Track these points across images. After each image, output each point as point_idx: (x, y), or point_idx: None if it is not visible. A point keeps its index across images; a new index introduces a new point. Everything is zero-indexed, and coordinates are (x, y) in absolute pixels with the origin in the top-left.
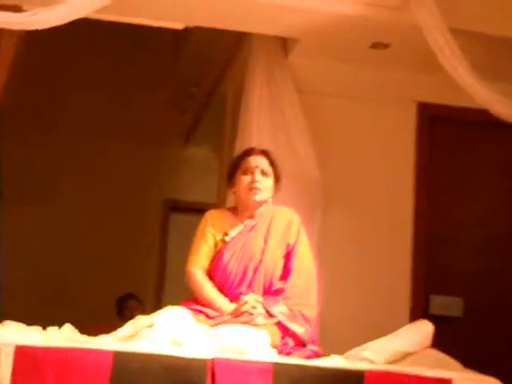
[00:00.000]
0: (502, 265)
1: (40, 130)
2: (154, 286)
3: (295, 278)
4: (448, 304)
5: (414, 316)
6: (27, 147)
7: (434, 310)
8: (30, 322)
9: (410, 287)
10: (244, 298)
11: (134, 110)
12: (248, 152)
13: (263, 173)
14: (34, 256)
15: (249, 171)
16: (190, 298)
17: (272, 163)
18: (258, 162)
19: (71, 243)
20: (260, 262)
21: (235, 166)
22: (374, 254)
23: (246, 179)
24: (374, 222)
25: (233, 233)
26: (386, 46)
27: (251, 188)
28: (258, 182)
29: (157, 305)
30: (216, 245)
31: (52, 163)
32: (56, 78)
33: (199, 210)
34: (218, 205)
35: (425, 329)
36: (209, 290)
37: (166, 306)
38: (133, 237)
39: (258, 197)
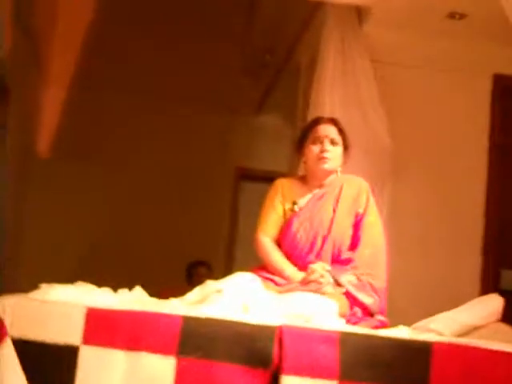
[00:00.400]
0: None
1: (111, 91)
2: (224, 252)
3: (364, 248)
4: None
5: (485, 290)
6: (96, 108)
7: (505, 285)
8: (102, 283)
9: (480, 261)
10: (312, 266)
11: (206, 76)
12: (317, 121)
13: (332, 142)
14: (108, 218)
15: (318, 140)
16: (260, 265)
17: (341, 132)
18: (327, 131)
19: (144, 207)
20: (329, 231)
21: (304, 136)
22: (444, 227)
23: (316, 148)
24: (445, 194)
25: (302, 202)
26: (462, 16)
27: (320, 157)
28: (327, 151)
29: (227, 272)
30: (285, 213)
31: (124, 127)
32: (129, 39)
33: (270, 178)
34: (289, 174)
35: (494, 302)
36: (277, 258)
37: (235, 272)
38: (204, 204)
39: (328, 166)
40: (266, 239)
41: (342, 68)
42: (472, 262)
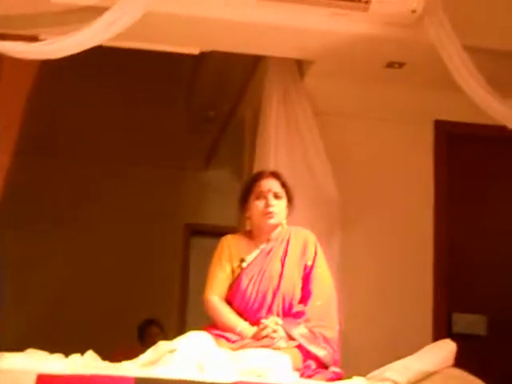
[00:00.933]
0: None
1: (56, 155)
2: (176, 311)
3: (315, 300)
4: (471, 322)
5: (437, 335)
6: (40, 173)
7: (457, 329)
8: (52, 349)
9: (432, 306)
10: (264, 321)
11: (152, 135)
12: (259, 176)
13: (276, 196)
14: (55, 282)
15: (261, 195)
16: (212, 324)
17: (284, 185)
18: (270, 185)
19: (92, 268)
20: (278, 285)
21: (247, 191)
22: (394, 273)
23: (260, 204)
24: (393, 240)
25: (249, 258)
26: (401, 64)
27: (265, 213)
28: (271, 205)
29: (180, 330)
30: (233, 271)
31: (69, 189)
32: (72, 104)
33: (220, 233)
34: (239, 228)
35: (447, 348)
36: (228, 315)
37: (188, 331)
38: (154, 261)
39: (273, 220)
40: (215, 297)
41: (285, 120)
42: (424, 307)
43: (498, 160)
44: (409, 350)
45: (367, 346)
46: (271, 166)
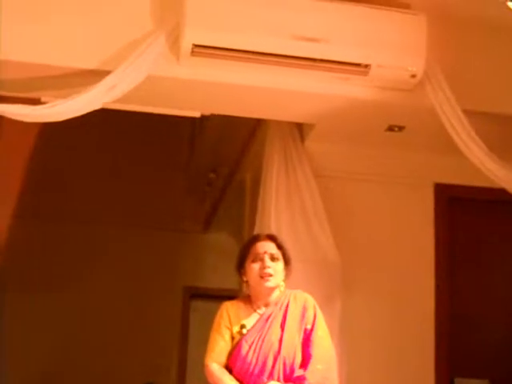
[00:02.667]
0: None
1: (56, 218)
2: (175, 374)
3: (316, 363)
4: None
5: None
6: (40, 236)
7: None
8: None
9: (434, 370)
10: None
11: (152, 197)
12: (254, 239)
13: (272, 258)
14: (52, 346)
15: (258, 258)
16: None
17: (280, 247)
18: (266, 247)
19: (91, 332)
20: (279, 351)
21: (243, 255)
22: (396, 338)
23: (256, 266)
24: (395, 304)
25: (249, 324)
26: (401, 128)
27: (262, 275)
28: (268, 267)
29: None
30: (233, 338)
31: (69, 251)
32: (72, 166)
33: (220, 296)
34: (239, 291)
35: None
36: (229, 382)
37: None
38: (153, 325)
39: (270, 283)
40: (215, 365)
41: (285, 183)
42: (426, 372)
43: (499, 223)
44: None
45: None
46: (272, 229)
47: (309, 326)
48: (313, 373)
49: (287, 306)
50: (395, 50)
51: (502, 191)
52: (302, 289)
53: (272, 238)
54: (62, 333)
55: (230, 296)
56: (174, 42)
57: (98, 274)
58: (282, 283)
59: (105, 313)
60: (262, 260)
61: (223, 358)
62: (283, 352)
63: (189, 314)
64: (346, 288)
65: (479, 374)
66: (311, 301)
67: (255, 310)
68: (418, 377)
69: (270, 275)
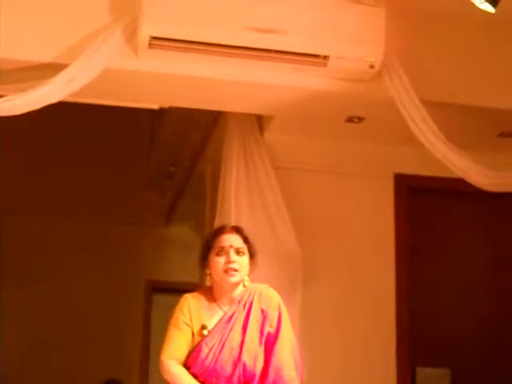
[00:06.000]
0: (488, 333)
1: (15, 214)
2: (138, 368)
3: (290, 371)
4: (435, 376)
5: None
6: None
7: (421, 383)
8: None
9: (395, 360)
10: None
11: (113, 191)
12: (220, 231)
13: (238, 252)
14: (14, 342)
15: (222, 251)
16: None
17: (246, 239)
18: (232, 240)
19: (52, 326)
20: (239, 356)
21: (208, 247)
22: (357, 328)
23: (221, 260)
24: (355, 294)
25: (210, 325)
26: (360, 119)
27: (227, 269)
28: (233, 262)
29: None
30: (193, 334)
31: (28, 246)
32: (29, 160)
33: (182, 290)
34: (201, 284)
35: None
36: (186, 381)
37: None
38: (115, 319)
39: (235, 278)
40: (172, 362)
41: (245, 175)
42: (387, 362)
43: (458, 212)
44: None
45: None
46: (232, 221)
47: (272, 330)
48: (289, 380)
49: (251, 304)
50: (353, 41)
51: (462, 181)
52: (262, 280)
53: (238, 230)
54: (21, 329)
55: (192, 290)
56: (132, 34)
57: (58, 269)
58: (247, 277)
59: (65, 307)
60: (227, 254)
61: (181, 355)
62: (244, 357)
63: (151, 308)
64: (306, 279)
65: (440, 364)
66: (276, 300)
67: (219, 306)
68: (380, 366)
69: (235, 270)
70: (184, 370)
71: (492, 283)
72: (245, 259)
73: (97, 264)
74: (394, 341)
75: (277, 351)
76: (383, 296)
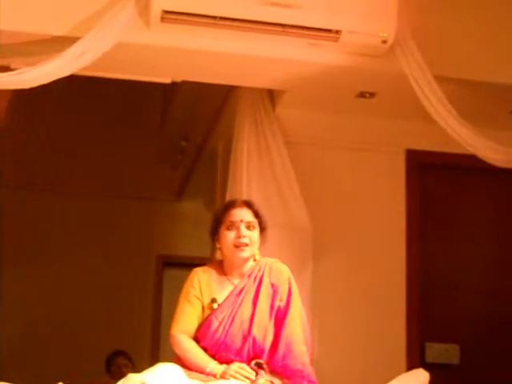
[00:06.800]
0: (497, 310)
1: (25, 188)
2: (149, 342)
3: (300, 345)
4: (444, 351)
5: (411, 364)
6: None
7: (430, 358)
8: (21, 380)
9: (404, 335)
10: (231, 367)
11: (124, 166)
12: (230, 205)
13: (248, 226)
14: (24, 314)
15: (233, 226)
16: None
17: (256, 214)
18: (242, 215)
19: (63, 298)
20: (249, 330)
21: (218, 221)
22: (367, 303)
23: (231, 235)
24: (366, 270)
25: (220, 298)
26: (372, 94)
27: (237, 244)
28: (243, 237)
29: (152, 362)
30: (203, 308)
31: (41, 222)
32: (41, 135)
33: (193, 264)
34: (212, 259)
35: (420, 377)
36: (197, 354)
37: (160, 362)
38: (127, 293)
39: (245, 254)
40: (183, 336)
41: (257, 150)
42: (397, 337)
43: (470, 189)
44: (382, 380)
45: (340, 375)
46: (243, 196)
47: (282, 304)
48: (300, 354)
49: (261, 278)
50: (366, 16)
51: (473, 157)
52: (273, 255)
53: (248, 204)
54: (33, 301)
55: (204, 265)
56: (144, 8)
57: (70, 244)
58: (257, 251)
59: (77, 281)
60: (237, 228)
61: (192, 328)
62: (253, 331)
63: (162, 283)
64: (317, 254)
65: (450, 339)
66: (286, 274)
67: (229, 280)
68: (389, 341)
69: (246, 245)
70: (194, 344)
71: (503, 259)
72: (255, 233)
73: (108, 239)
74: (403, 316)
75: (287, 325)
76: (393, 272)
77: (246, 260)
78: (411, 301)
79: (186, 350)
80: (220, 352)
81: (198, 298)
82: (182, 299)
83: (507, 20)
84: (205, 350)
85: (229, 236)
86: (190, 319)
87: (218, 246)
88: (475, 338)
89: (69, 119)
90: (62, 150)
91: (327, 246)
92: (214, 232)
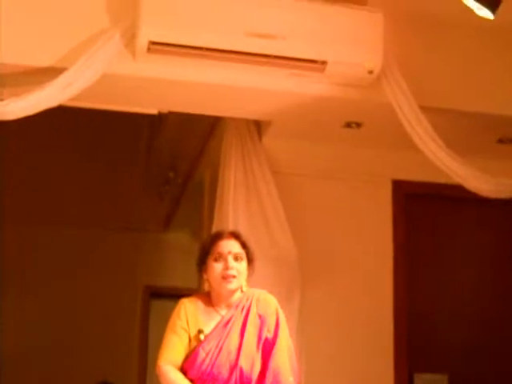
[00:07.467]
0: (486, 338)
1: (12, 220)
2: (135, 373)
3: (287, 376)
4: (433, 381)
5: None
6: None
7: None
8: None
9: (393, 366)
10: None
11: (110, 197)
12: (218, 236)
13: (236, 258)
14: (10, 341)
15: (220, 257)
16: None
17: (244, 245)
18: (230, 246)
19: (49, 329)
20: (236, 361)
21: (205, 252)
22: (354, 334)
23: (219, 267)
24: (353, 300)
25: (207, 329)
26: (358, 125)
27: (225, 276)
28: (231, 268)
29: None
30: (190, 339)
31: (28, 253)
32: (27, 167)
33: (180, 295)
34: (199, 290)
35: None
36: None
37: None
38: (113, 324)
39: (233, 285)
40: (169, 367)
41: (243, 180)
42: (385, 368)
43: (457, 219)
44: None
45: None
46: (230, 227)
47: (270, 335)
48: None
49: (248, 309)
50: (352, 47)
51: (460, 187)
52: (260, 285)
53: (236, 236)
54: (19, 330)
55: (190, 295)
56: (130, 39)
57: (58, 274)
58: (245, 282)
59: (64, 311)
60: (225, 260)
61: (178, 359)
62: (241, 362)
63: (149, 313)
64: (304, 285)
65: (438, 370)
66: (274, 305)
67: (216, 311)
68: (378, 373)
69: (234, 276)
70: (181, 375)
71: (489, 288)
72: (243, 265)
73: (95, 270)
74: (391, 346)
75: (274, 356)
76: (381, 302)
77: (233, 292)
78: (399, 330)
79: (172, 381)
80: (207, 383)
81: (185, 330)
82: (168, 330)
83: (492, 51)
84: (192, 381)
85: (216, 268)
86: (176, 350)
87: (205, 277)
88: (464, 366)
89: (54, 150)
90: (46, 180)
91: (314, 276)
92: (202, 263)
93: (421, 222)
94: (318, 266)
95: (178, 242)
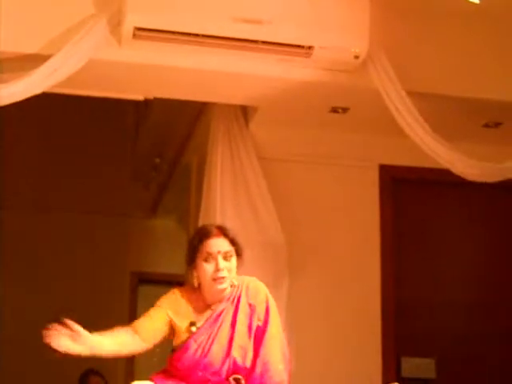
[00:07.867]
0: (473, 323)
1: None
2: (123, 360)
3: (277, 364)
4: (420, 366)
5: (387, 379)
6: None
7: (406, 373)
8: None
9: (380, 350)
10: None
11: (97, 183)
12: (206, 235)
13: (225, 256)
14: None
15: (210, 257)
16: (161, 371)
17: (233, 242)
18: (219, 245)
19: (35, 316)
20: (228, 352)
21: (194, 250)
22: (343, 318)
23: (209, 268)
24: (341, 285)
25: (199, 322)
26: (345, 109)
27: (216, 278)
28: (222, 270)
29: (128, 379)
30: (170, 326)
31: (17, 239)
32: (13, 151)
33: (168, 281)
34: (186, 276)
35: None
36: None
37: (136, 380)
38: (101, 310)
39: (224, 285)
40: (123, 329)
41: (230, 167)
42: (373, 352)
43: (443, 203)
44: None
45: None
46: (217, 213)
47: (260, 323)
48: (276, 373)
49: (239, 298)
50: (338, 32)
51: (447, 172)
52: (249, 272)
53: (224, 233)
54: (5, 317)
55: (178, 281)
56: (116, 25)
57: (44, 260)
58: (235, 276)
59: (51, 298)
60: (215, 260)
61: (146, 327)
62: (233, 353)
63: (137, 299)
64: (292, 270)
65: (425, 353)
66: (263, 293)
67: (208, 305)
68: (366, 357)
69: (224, 278)
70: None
71: (477, 272)
72: (233, 262)
73: (82, 255)
74: (379, 331)
75: (265, 344)
76: (369, 287)
77: (224, 289)
78: (387, 315)
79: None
80: (196, 371)
81: (167, 314)
82: (154, 308)
83: (477, 36)
84: (177, 370)
85: (207, 269)
86: (152, 324)
87: (195, 274)
88: (451, 351)
89: (41, 137)
90: (33, 167)
91: (302, 262)
92: (191, 261)
93: (408, 207)
94: (305, 251)
95: (165, 228)
